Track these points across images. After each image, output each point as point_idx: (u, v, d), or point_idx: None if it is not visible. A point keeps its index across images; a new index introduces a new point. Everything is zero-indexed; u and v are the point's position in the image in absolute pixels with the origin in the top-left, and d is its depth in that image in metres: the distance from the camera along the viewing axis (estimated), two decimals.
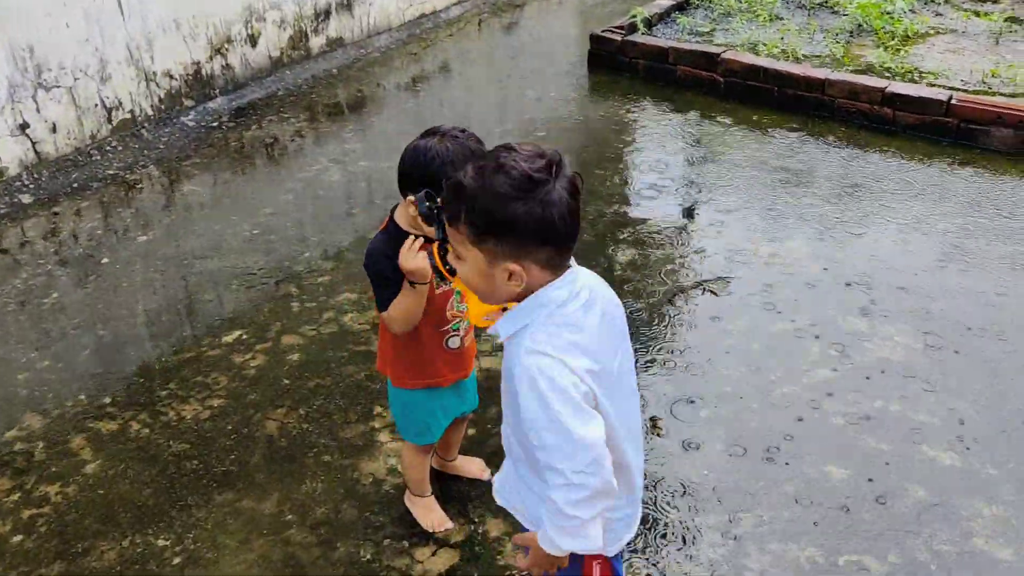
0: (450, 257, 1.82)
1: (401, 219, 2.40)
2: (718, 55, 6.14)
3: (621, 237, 4.51)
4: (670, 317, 3.90)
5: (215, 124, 5.82)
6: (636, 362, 3.15)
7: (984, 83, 5.87)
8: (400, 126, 5.86)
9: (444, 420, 2.74)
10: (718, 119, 5.86)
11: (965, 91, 5.68)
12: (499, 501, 2.08)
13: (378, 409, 3.38)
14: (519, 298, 1.77)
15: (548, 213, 1.66)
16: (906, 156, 5.32)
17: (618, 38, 6.56)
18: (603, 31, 6.69)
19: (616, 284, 3.99)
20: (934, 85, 5.78)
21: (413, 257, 2.28)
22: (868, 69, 6.08)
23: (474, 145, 2.24)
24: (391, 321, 2.45)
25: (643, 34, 6.69)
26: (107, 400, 3.47)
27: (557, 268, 1.75)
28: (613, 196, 4.94)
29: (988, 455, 3.15)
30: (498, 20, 8.10)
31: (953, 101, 5.41)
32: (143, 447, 3.24)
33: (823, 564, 2.76)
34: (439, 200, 1.94)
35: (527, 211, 1.65)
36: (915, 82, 5.82)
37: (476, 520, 2.93)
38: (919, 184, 5.01)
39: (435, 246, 2.10)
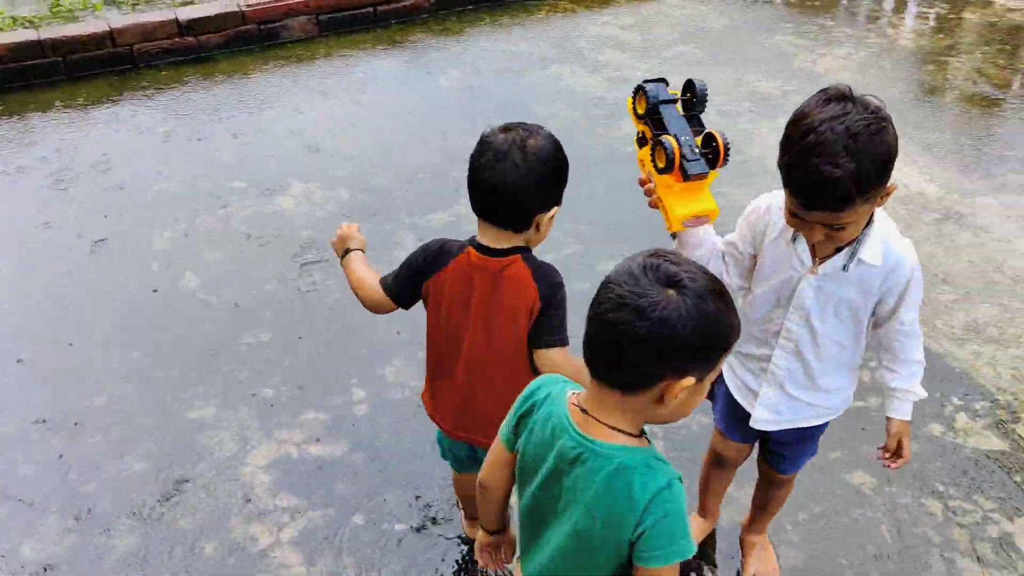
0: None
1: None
2: None
3: None
4: None
5: None
6: None
7: None
8: None
9: None
10: None
11: None
12: (775, 428, 2.15)
13: None
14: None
15: None
16: (225, 74, 5.33)
17: None
18: None
19: None
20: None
21: None
22: (115, 3, 5.63)
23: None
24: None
25: None
26: None
27: None
28: None
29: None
30: None
31: (245, 9, 5.48)
32: None
33: None
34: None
35: None
36: (192, 3, 5.64)
37: None
38: (264, 94, 5.15)
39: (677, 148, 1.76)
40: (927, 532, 2.70)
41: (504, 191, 1.82)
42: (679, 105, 1.87)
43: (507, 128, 1.87)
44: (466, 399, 2.08)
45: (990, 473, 2.90)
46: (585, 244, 3.88)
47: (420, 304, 2.07)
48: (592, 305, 1.37)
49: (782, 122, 1.77)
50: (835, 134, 1.60)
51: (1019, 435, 3.03)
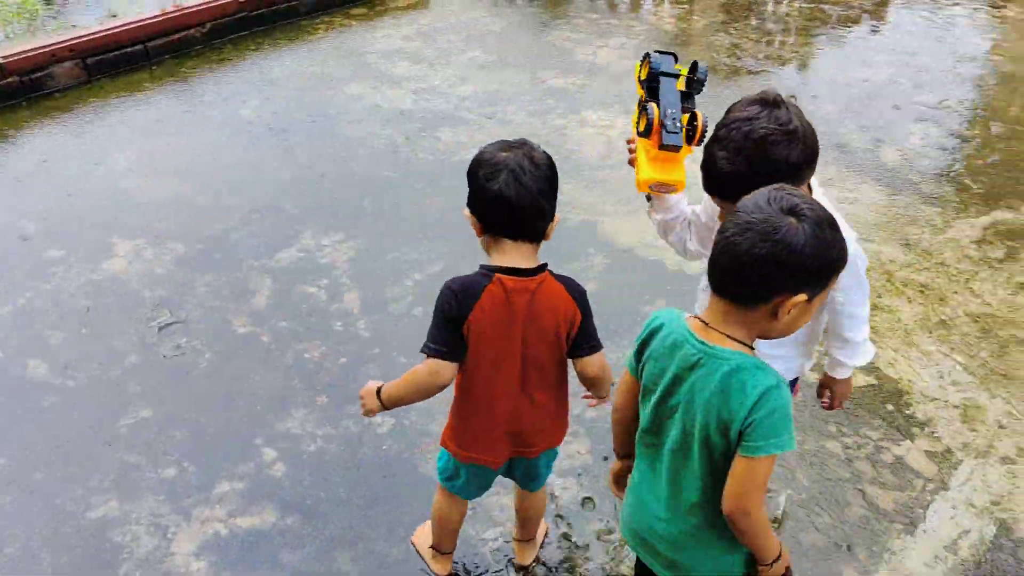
0: None
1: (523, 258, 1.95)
2: None
3: None
4: None
5: None
6: None
7: None
8: None
9: None
10: None
11: None
12: None
13: None
14: None
15: None
16: None
17: None
18: None
19: None
20: None
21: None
22: None
23: None
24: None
25: None
26: None
27: None
28: None
29: None
30: None
31: (1, 61, 4.95)
32: None
33: None
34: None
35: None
36: None
37: None
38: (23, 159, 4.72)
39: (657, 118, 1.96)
40: (837, 471, 2.97)
41: (533, 204, 1.85)
42: (681, 81, 2.03)
43: (506, 147, 1.89)
44: (514, 425, 2.09)
45: (868, 407, 3.23)
46: (446, 260, 3.88)
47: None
48: (720, 231, 1.55)
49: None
50: (739, 134, 1.79)
51: (879, 368, 3.40)
